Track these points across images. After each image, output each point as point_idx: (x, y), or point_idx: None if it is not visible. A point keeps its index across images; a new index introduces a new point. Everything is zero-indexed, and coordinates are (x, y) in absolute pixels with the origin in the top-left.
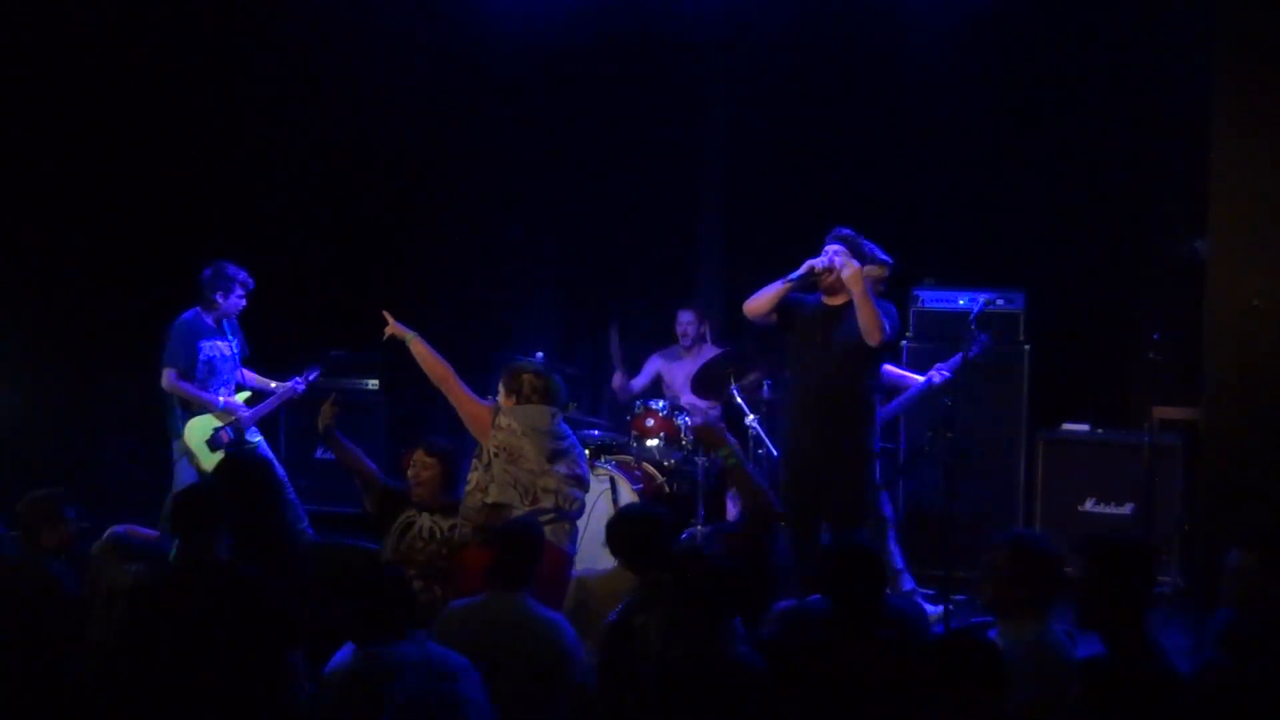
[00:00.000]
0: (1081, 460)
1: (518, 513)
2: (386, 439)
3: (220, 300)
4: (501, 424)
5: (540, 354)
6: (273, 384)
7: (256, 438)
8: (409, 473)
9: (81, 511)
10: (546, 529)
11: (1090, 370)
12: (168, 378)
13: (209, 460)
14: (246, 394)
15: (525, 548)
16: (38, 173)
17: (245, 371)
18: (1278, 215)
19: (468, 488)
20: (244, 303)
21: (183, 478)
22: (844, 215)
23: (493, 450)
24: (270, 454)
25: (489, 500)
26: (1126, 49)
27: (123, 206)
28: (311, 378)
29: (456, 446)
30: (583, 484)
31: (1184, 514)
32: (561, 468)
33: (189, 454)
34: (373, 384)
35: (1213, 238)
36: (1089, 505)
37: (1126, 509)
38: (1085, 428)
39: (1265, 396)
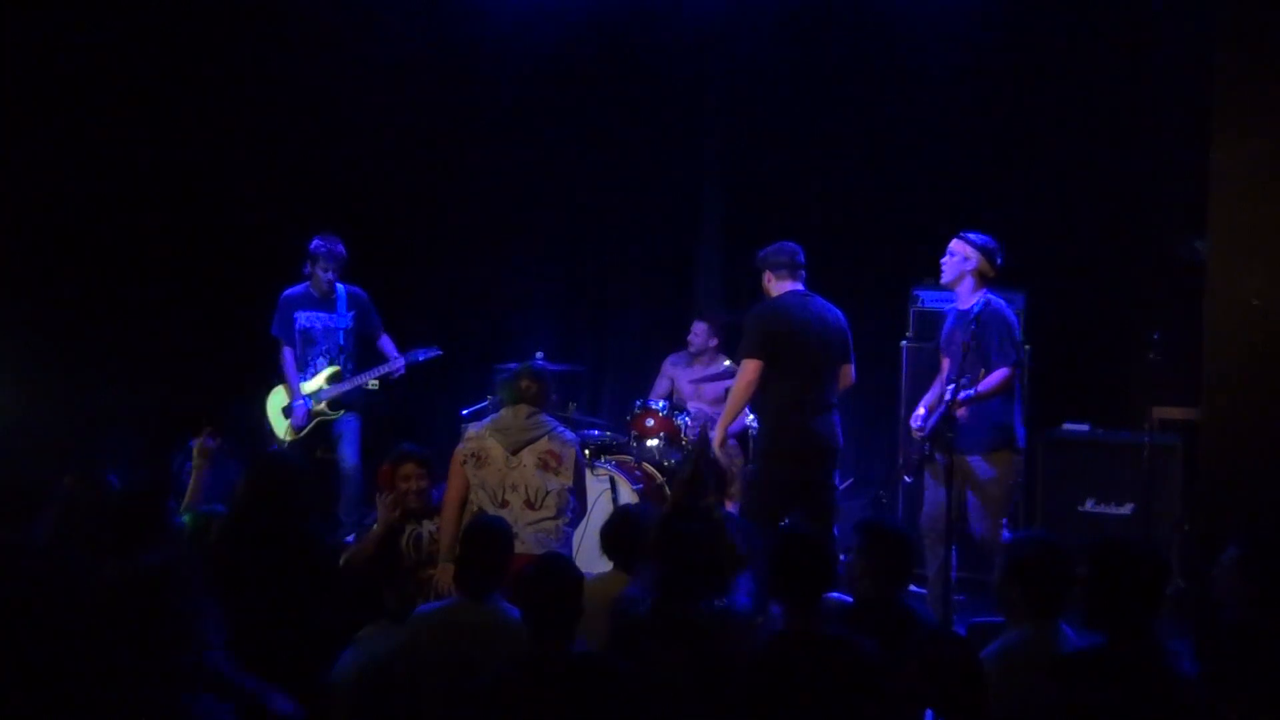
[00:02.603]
0: (1081, 460)
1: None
2: (386, 439)
3: (308, 270)
4: (470, 435)
5: (540, 354)
6: (395, 359)
7: (337, 413)
8: (403, 487)
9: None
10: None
11: (1090, 370)
12: (280, 349)
13: (282, 428)
14: (332, 370)
15: (491, 548)
16: (39, 171)
17: (385, 339)
18: (1278, 215)
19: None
20: (329, 274)
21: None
22: (843, 215)
23: (461, 460)
24: (354, 432)
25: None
26: (1126, 49)
27: (123, 206)
28: (420, 358)
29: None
30: (557, 462)
31: (1184, 514)
32: (527, 456)
33: (268, 420)
34: (372, 384)
35: (1213, 238)
36: (1089, 505)
37: (1126, 509)
38: (1085, 428)
39: (1265, 396)
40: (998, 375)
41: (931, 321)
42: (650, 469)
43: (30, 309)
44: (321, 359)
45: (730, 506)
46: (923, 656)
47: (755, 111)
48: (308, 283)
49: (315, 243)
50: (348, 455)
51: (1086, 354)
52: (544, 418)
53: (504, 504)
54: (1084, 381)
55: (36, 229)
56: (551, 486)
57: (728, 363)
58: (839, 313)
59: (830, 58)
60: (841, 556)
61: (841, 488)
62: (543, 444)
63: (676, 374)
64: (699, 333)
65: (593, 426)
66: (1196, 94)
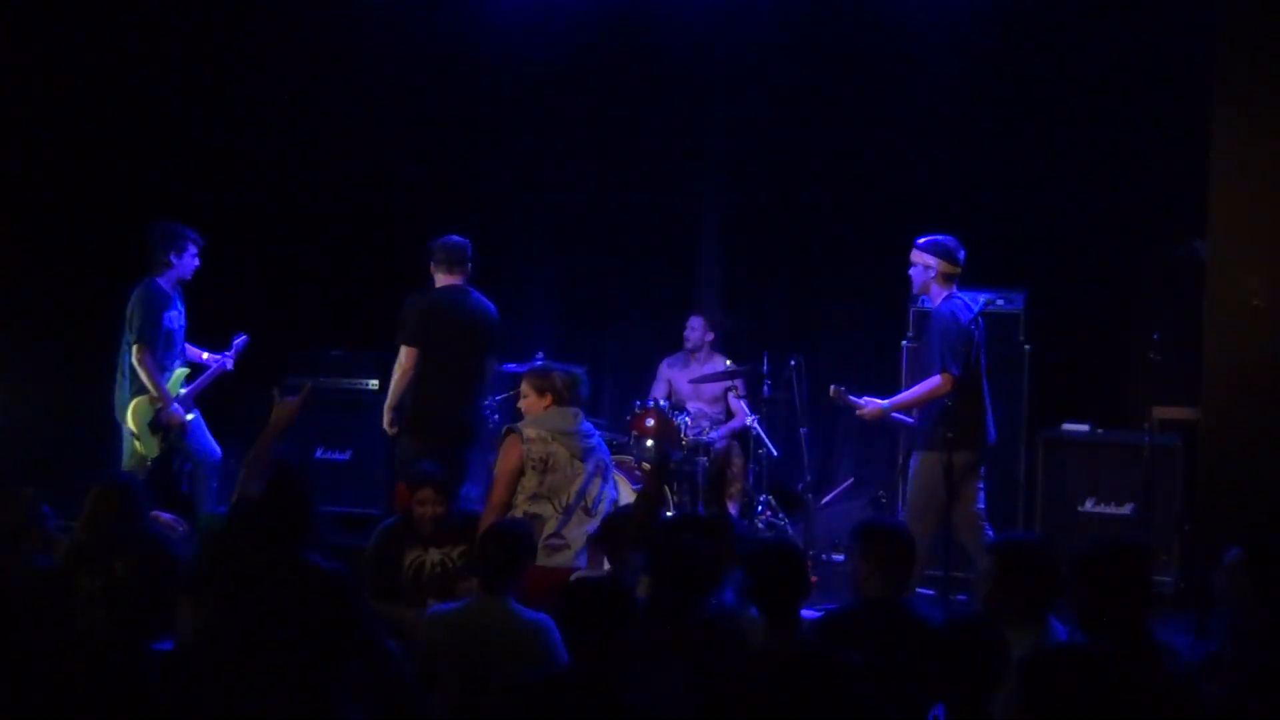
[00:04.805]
0: (1081, 460)
1: (550, 523)
2: (386, 439)
3: (175, 260)
4: (531, 435)
5: (540, 354)
6: (204, 354)
7: (190, 415)
8: (418, 511)
9: (53, 509)
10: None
11: (1090, 370)
12: (139, 353)
13: (150, 445)
14: (185, 371)
15: (513, 549)
16: (35, 171)
17: (187, 344)
18: (1278, 215)
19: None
20: (198, 262)
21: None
22: (844, 215)
23: (529, 465)
24: (205, 430)
25: (517, 514)
26: (1126, 49)
27: (121, 206)
28: (238, 345)
29: (446, 469)
30: (607, 469)
31: (1184, 514)
32: (590, 464)
33: (129, 439)
34: (373, 384)
35: (1213, 238)
36: (1089, 505)
37: (1126, 509)
38: (1085, 428)
39: (1265, 396)
40: (926, 384)
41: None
42: (650, 469)
43: (29, 309)
44: (177, 361)
45: (730, 506)
46: (943, 643)
47: (756, 111)
48: (155, 277)
49: (178, 228)
50: (212, 451)
51: (1086, 354)
52: (587, 423)
53: (567, 509)
54: (1084, 381)
55: (37, 228)
56: (606, 494)
57: (727, 362)
58: (493, 309)
59: (831, 58)
60: (839, 558)
61: (841, 488)
62: (596, 453)
63: (673, 375)
64: (695, 327)
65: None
66: (1196, 94)
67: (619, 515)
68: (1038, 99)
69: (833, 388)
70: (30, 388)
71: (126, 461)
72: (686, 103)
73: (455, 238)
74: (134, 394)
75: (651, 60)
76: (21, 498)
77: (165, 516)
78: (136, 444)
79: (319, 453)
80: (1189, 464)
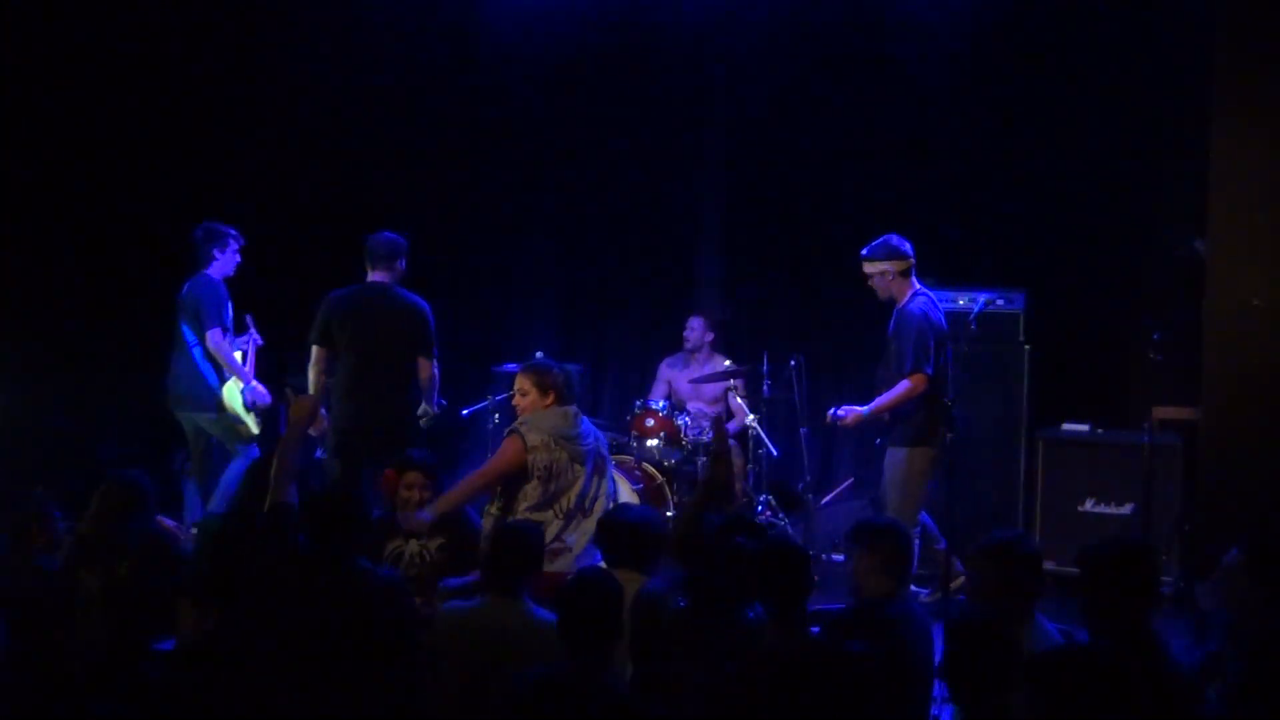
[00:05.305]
0: (1081, 460)
1: (551, 528)
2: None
3: (219, 255)
4: (535, 443)
5: (540, 354)
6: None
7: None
8: (403, 496)
9: (64, 512)
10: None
11: (1090, 370)
12: (214, 338)
13: (253, 424)
14: (239, 354)
15: (524, 550)
16: (34, 170)
17: None
18: (1278, 215)
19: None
20: (239, 258)
21: (221, 455)
22: (844, 216)
23: (536, 475)
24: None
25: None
26: (1127, 48)
27: (124, 206)
28: (250, 321)
29: (434, 455)
30: (605, 464)
31: (1184, 514)
32: (589, 465)
33: (231, 424)
34: None
35: (1213, 238)
36: (1089, 505)
37: (1126, 509)
38: (1085, 428)
39: (1265, 396)
40: (900, 387)
41: None
42: (650, 469)
43: (29, 309)
44: (234, 349)
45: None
46: (952, 643)
47: (755, 110)
48: (208, 270)
49: (221, 226)
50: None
51: (1086, 354)
52: (585, 421)
53: (568, 514)
54: (1084, 381)
55: (40, 228)
56: (604, 492)
57: (727, 362)
58: (420, 306)
59: (830, 58)
60: (839, 558)
61: (841, 488)
62: (596, 453)
63: (673, 376)
64: (694, 328)
65: None
66: (1197, 93)
67: (621, 517)
68: (1038, 98)
69: (828, 414)
70: (32, 388)
71: (230, 445)
72: (686, 103)
73: (386, 234)
74: (222, 381)
75: (651, 59)
76: (32, 498)
77: (168, 523)
78: (239, 428)
79: (319, 453)
80: (1189, 464)
